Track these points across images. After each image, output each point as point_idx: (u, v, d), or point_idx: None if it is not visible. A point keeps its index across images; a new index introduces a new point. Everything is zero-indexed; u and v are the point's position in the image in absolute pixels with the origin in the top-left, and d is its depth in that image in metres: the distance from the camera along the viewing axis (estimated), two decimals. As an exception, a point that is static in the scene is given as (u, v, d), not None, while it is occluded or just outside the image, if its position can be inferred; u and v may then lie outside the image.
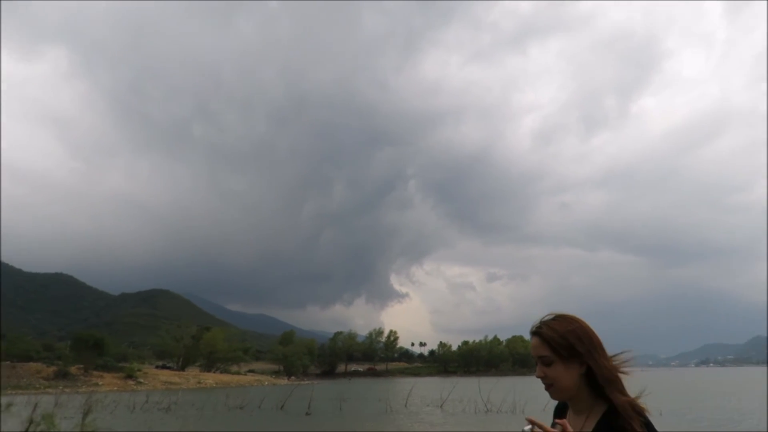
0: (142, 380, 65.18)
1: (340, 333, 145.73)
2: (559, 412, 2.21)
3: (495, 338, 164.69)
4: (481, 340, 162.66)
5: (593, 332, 2.02)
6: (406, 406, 35.71)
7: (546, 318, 2.08)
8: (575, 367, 1.94)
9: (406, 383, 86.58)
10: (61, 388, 50.83)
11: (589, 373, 1.95)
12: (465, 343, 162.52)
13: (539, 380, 2.07)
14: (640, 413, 1.87)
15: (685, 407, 32.96)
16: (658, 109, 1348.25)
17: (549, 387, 2.00)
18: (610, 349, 2.08)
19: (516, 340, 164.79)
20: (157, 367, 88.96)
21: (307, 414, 30.38)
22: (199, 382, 72.40)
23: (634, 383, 2.06)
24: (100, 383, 58.67)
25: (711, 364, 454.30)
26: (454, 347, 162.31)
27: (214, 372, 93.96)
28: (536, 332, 2.04)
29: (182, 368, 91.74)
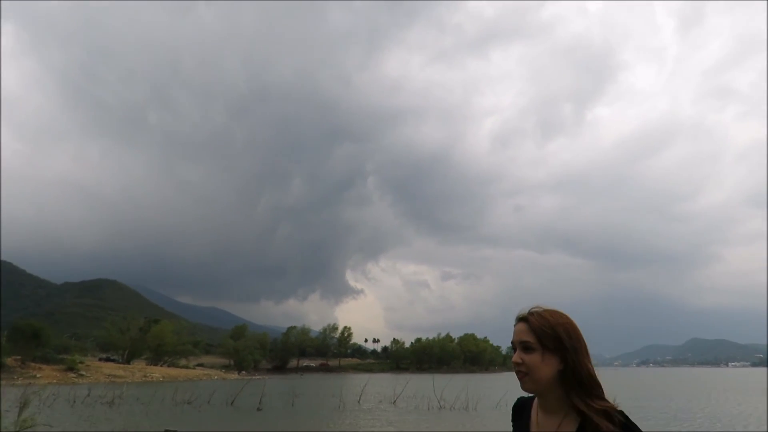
0: (84, 373, 62.55)
1: (294, 328, 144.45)
2: (519, 411, 2.08)
3: (447, 336, 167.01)
4: (434, 338, 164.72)
5: (581, 332, 1.92)
6: (359, 402, 35.58)
7: (535, 308, 1.96)
8: (555, 361, 1.84)
9: (358, 379, 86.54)
10: (-5, 380, 48.17)
11: (564, 373, 1.83)
12: (418, 340, 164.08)
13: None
14: (617, 422, 1.76)
15: (633, 406, 34.19)
16: (611, 119, 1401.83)
17: (523, 376, 1.87)
18: None
19: (468, 338, 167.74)
20: (100, 359, 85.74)
21: (258, 410, 29.79)
22: (145, 376, 70.15)
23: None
24: (39, 375, 55.89)
25: (651, 365, 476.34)
26: (407, 344, 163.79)
27: (162, 366, 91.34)
28: (524, 318, 1.93)
29: (127, 361, 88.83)
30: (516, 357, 1.89)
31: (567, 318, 1.93)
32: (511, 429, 2.10)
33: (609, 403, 1.80)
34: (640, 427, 1.74)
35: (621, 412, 1.78)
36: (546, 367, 1.83)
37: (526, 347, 1.87)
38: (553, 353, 1.84)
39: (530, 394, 1.98)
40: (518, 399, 2.13)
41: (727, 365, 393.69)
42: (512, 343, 1.94)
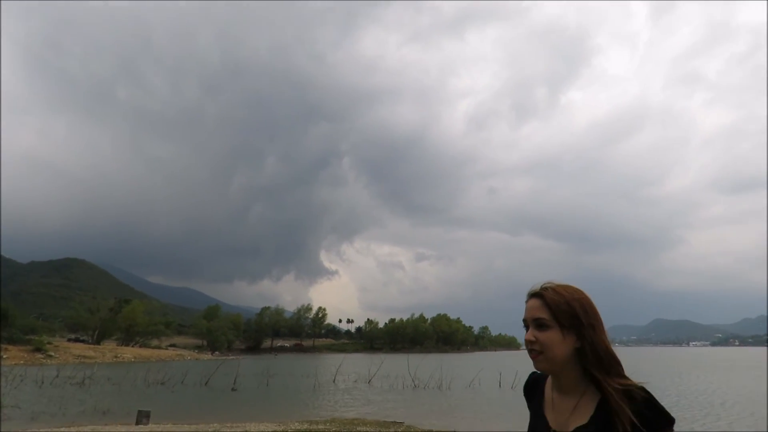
0: (52, 353, 61.25)
1: (267, 308, 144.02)
2: (531, 389, 1.97)
3: (421, 316, 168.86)
4: (407, 318, 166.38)
5: (597, 308, 1.80)
6: (334, 381, 35.74)
7: (548, 284, 1.82)
8: (572, 338, 1.73)
9: (333, 359, 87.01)
10: (-42, 361, 46.83)
11: (581, 351, 1.74)
12: (392, 320, 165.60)
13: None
14: (640, 399, 1.64)
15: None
16: (584, 103, 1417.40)
17: (537, 355, 1.74)
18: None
19: (441, 318, 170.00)
20: (69, 340, 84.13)
21: (233, 390, 29.64)
22: (116, 357, 69.14)
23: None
24: (5, 356, 54.52)
25: (616, 344, 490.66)
26: (381, 325, 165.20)
27: (133, 346, 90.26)
28: (538, 294, 1.79)
29: (98, 342, 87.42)
30: (529, 335, 1.76)
31: (582, 293, 1.80)
32: (527, 407, 2.00)
33: (630, 380, 1.70)
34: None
35: (642, 388, 1.66)
36: (562, 345, 1.72)
37: (540, 324, 1.74)
38: (569, 330, 1.73)
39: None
40: (530, 375, 2.01)
41: (688, 345, 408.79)
42: (524, 320, 1.80)
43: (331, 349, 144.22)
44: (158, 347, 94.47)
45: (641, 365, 65.56)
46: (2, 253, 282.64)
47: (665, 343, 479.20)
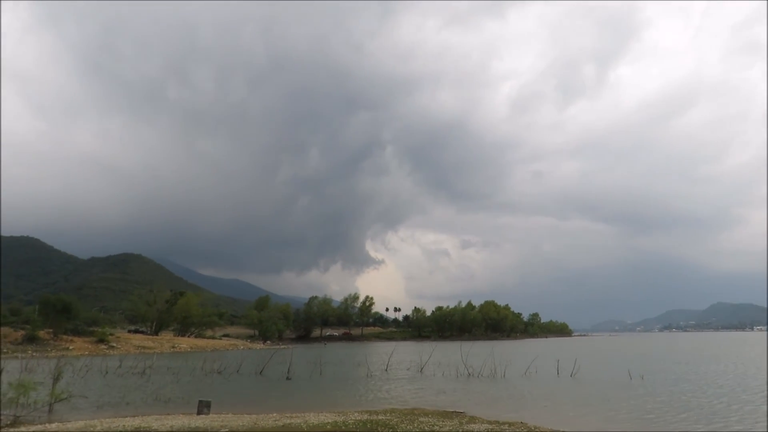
0: (114, 344, 63.93)
1: (315, 298, 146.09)
2: None
3: (469, 304, 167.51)
4: (455, 306, 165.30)
5: None
6: (386, 370, 35.58)
7: None
8: None
9: (382, 347, 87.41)
10: (29, 352, 49.36)
11: None
12: (439, 308, 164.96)
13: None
14: None
15: (669, 369, 33.63)
16: (634, 79, 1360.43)
17: None
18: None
19: (488, 305, 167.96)
20: (129, 331, 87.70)
21: (287, 378, 29.89)
22: (173, 347, 71.49)
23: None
24: (71, 348, 57.24)
25: (674, 330, 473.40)
26: (428, 313, 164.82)
27: (189, 336, 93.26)
28: None
29: (156, 333, 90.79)
30: None
31: None
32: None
33: None
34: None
35: None
36: None
37: None
38: None
39: None
40: None
41: (752, 329, 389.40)
42: None
43: (379, 337, 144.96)
44: (212, 337, 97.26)
45: (693, 351, 62.59)
46: (64, 250, 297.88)
47: (727, 327, 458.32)
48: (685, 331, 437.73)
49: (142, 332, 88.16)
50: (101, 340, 63.74)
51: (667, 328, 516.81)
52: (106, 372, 32.69)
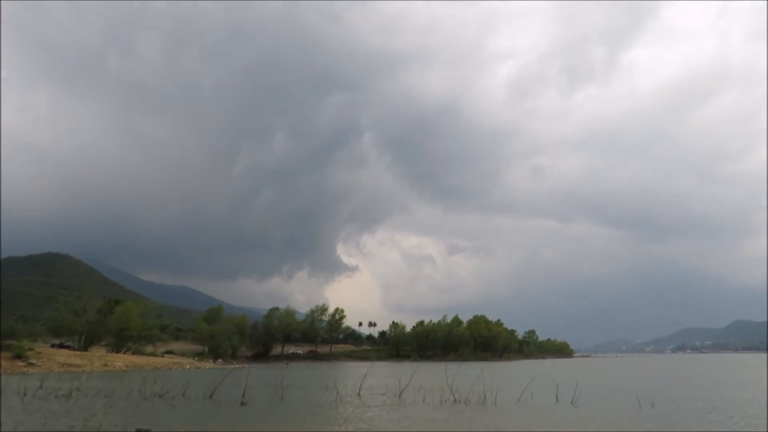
0: (34, 361, 62.94)
1: (277, 309, 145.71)
2: None
3: (455, 318, 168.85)
4: (439, 321, 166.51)
5: None
6: (359, 395, 35.64)
7: None
8: None
9: (354, 368, 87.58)
10: (-70, 369, 48.26)
11: None
12: (420, 323, 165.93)
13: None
14: None
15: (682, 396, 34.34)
16: (650, 63, 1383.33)
17: None
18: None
19: (479, 320, 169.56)
20: (53, 345, 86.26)
21: (242, 404, 29.72)
22: (105, 365, 70.67)
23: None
24: (-19, 364, 56.18)
25: (688, 351, 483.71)
26: (408, 328, 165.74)
27: (125, 353, 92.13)
28: None
29: (85, 348, 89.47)
30: None
31: None
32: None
33: None
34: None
35: None
36: None
37: None
38: None
39: None
40: None
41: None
42: None
43: (351, 356, 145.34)
44: (153, 354, 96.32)
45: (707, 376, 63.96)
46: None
47: (748, 348, 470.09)
48: (701, 352, 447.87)
49: (68, 347, 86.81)
50: (18, 356, 62.62)
51: (681, 348, 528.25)
52: (24, 394, 32.08)
